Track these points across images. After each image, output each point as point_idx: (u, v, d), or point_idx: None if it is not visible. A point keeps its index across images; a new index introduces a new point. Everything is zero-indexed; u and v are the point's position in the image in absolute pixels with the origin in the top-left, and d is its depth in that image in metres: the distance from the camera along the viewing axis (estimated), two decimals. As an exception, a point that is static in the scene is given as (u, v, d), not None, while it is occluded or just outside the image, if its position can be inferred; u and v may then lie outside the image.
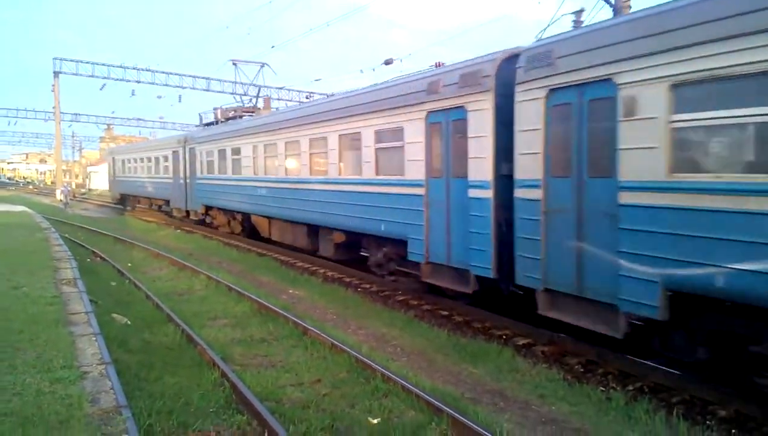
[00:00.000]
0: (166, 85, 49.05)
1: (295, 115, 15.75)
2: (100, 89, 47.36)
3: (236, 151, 19.52)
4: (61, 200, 43.20)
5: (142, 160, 32.88)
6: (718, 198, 5.78)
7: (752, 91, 5.53)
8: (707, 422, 6.15)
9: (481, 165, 9.02)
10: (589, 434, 5.91)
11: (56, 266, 12.39)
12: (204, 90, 50.75)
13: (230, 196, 20.19)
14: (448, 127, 9.76)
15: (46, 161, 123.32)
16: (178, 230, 25.33)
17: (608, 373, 7.56)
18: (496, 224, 8.87)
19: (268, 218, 18.03)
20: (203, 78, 50.63)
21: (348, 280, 13.80)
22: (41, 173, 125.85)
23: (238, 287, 12.18)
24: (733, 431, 5.98)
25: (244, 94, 24.70)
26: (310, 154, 14.48)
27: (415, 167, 10.51)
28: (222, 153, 20.91)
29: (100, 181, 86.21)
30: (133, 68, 47.08)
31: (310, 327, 9.05)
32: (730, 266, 5.66)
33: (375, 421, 5.98)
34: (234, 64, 25.11)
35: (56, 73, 46.48)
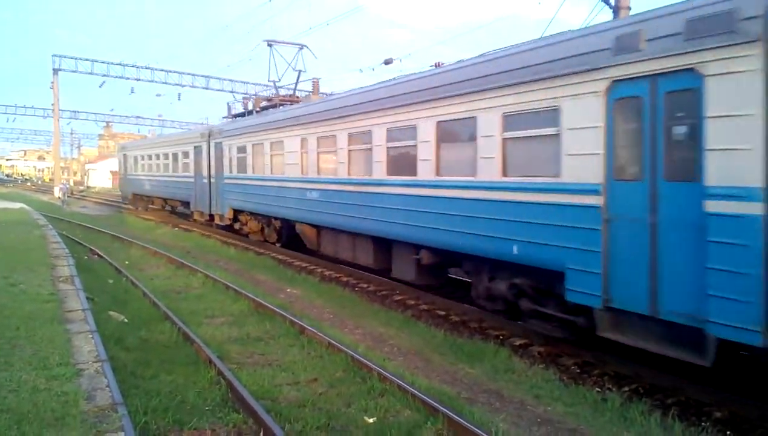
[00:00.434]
0: (166, 83, 49.13)
1: (368, 99, 12.12)
2: (99, 87, 47.50)
3: (277, 145, 16.42)
4: (59, 198, 43.18)
5: (157, 156, 29.50)
6: None
7: None
8: (702, 423, 6.16)
9: (733, 162, 5.78)
10: (585, 435, 5.92)
11: (53, 264, 12.38)
12: (203, 88, 50.82)
13: (267, 199, 17.10)
14: (656, 102, 6.47)
15: (44, 158, 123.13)
16: (176, 228, 25.31)
17: (604, 374, 7.57)
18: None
19: (318, 226, 14.88)
20: (202, 76, 50.72)
21: (345, 279, 13.80)
22: (39, 170, 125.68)
23: (235, 285, 12.18)
24: (728, 432, 5.99)
25: (277, 82, 20.49)
26: (388, 148, 11.29)
27: (581, 165, 7.30)
28: (258, 148, 17.80)
29: (98, 179, 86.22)
30: (133, 66, 47.16)
31: (306, 326, 9.05)
32: None
33: (371, 420, 5.99)
34: (269, 45, 20.54)
35: (55, 70, 46.48)
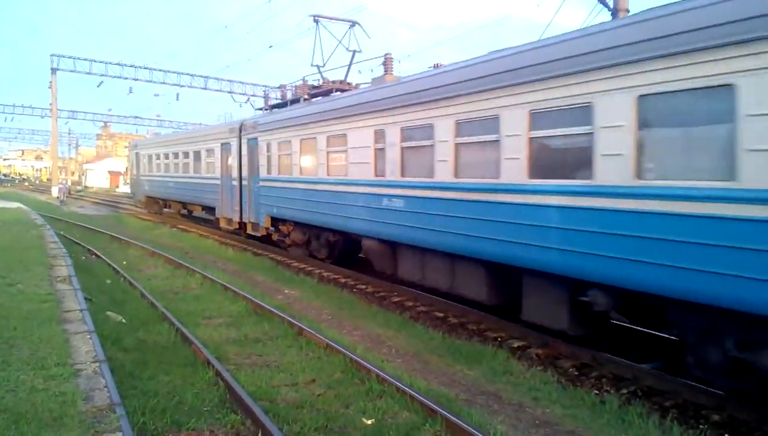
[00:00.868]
0: (164, 83, 49.14)
1: (497, 70, 8.52)
2: (98, 86, 47.42)
3: (337, 140, 13.18)
4: (58, 197, 43.12)
5: (176, 155, 26.12)
6: None
7: None
8: (700, 426, 6.17)
9: None
10: (583, 437, 5.92)
11: (51, 264, 12.35)
12: (202, 88, 50.84)
13: (320, 206, 13.86)
14: None
15: (42, 158, 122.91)
16: (174, 229, 25.25)
17: (602, 376, 7.57)
18: None
19: (395, 243, 11.52)
20: (201, 76, 50.76)
21: (343, 280, 13.79)
22: (37, 170, 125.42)
23: (233, 286, 12.16)
24: (726, 435, 5.99)
25: (322, 67, 16.78)
26: (530, 139, 7.95)
27: None
28: (308, 144, 14.61)
29: (96, 179, 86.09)
30: (131, 66, 47.18)
31: (305, 327, 9.04)
32: None
33: (369, 421, 5.98)
34: (315, 20, 17.19)
35: (53, 70, 46.47)
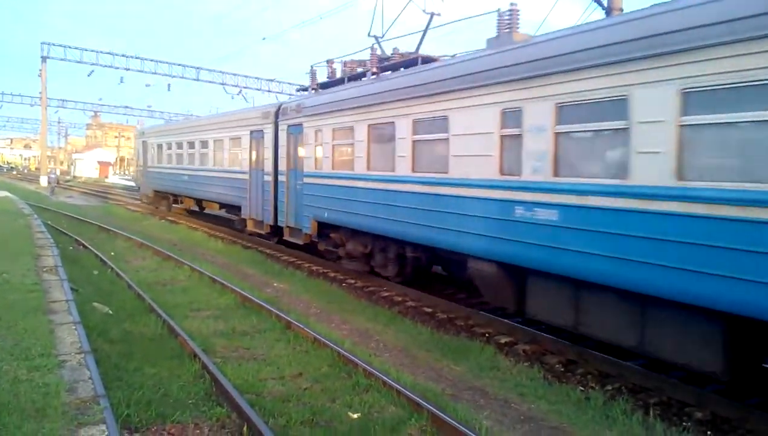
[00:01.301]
0: (155, 73, 48.78)
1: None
2: (88, 75, 47.02)
3: (431, 125, 9.94)
4: (48, 186, 42.77)
5: (191, 144, 22.80)
6: None
7: None
8: (684, 423, 6.23)
9: None
10: (567, 433, 5.96)
11: (38, 253, 12.26)
12: (194, 79, 50.54)
13: (400, 213, 10.56)
14: None
15: (30, 147, 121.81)
16: (163, 220, 25.13)
17: (588, 373, 7.62)
18: None
19: (525, 270, 8.31)
20: (193, 67, 50.44)
21: (333, 275, 13.78)
22: (26, 159, 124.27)
23: (221, 278, 12.11)
24: (709, 432, 6.06)
25: (381, 39, 13.79)
26: None
27: None
28: (379, 131, 11.45)
29: (85, 169, 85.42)
30: (122, 55, 46.78)
31: (293, 321, 9.03)
32: None
33: (355, 415, 5.99)
34: None
35: (44, 58, 46.00)
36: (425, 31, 12.74)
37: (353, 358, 7.34)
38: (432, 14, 12.86)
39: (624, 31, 6.73)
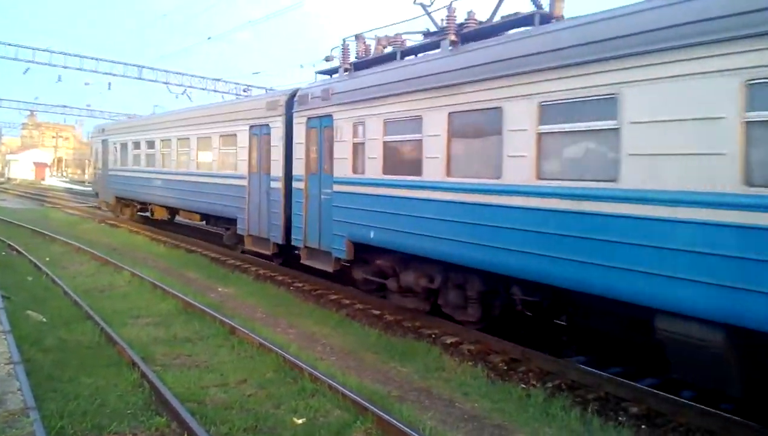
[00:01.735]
0: (95, 71, 46.91)
1: None
2: (23, 73, 44.84)
3: (588, 108, 6.67)
4: None
5: (166, 143, 19.32)
6: None
7: None
8: (620, 418, 6.45)
9: None
10: (509, 431, 6.09)
11: (-35, 260, 11.64)
12: (136, 78, 49.03)
13: (499, 236, 7.70)
14: None
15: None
16: (103, 224, 24.28)
17: (530, 371, 7.80)
18: None
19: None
20: (135, 66, 48.86)
21: (280, 278, 13.62)
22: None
23: (163, 284, 11.81)
24: (643, 426, 6.29)
25: (428, 6, 10.29)
26: None
27: None
28: (473, 122, 8.35)
29: (20, 171, 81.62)
30: (60, 53, 44.83)
31: (237, 326, 8.88)
32: None
33: (300, 421, 5.94)
34: None
35: (-27, 54, 43.63)
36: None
37: (299, 362, 7.29)
38: None
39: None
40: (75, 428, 5.40)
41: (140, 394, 6.41)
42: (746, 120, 5.22)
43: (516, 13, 8.61)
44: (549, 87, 7.05)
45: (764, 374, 5.68)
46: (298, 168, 12.38)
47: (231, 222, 15.52)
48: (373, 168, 10.05)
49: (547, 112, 7.12)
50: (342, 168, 10.89)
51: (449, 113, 8.57)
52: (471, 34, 9.16)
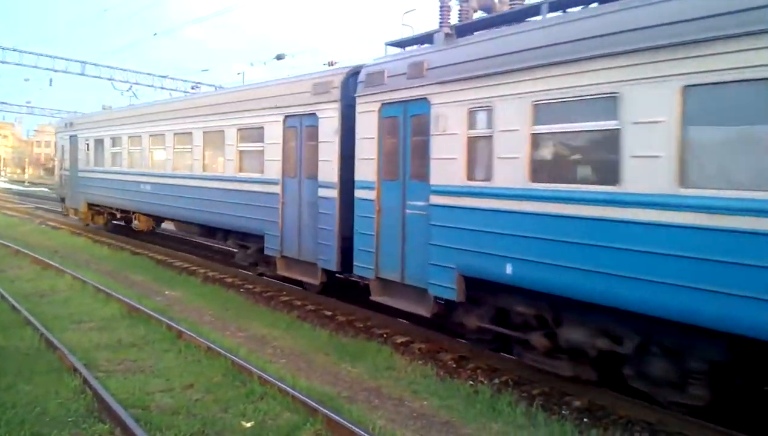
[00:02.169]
0: (36, 67, 45.09)
1: None
2: (-46, 67, 42.67)
3: None
4: None
5: (159, 139, 16.13)
6: None
7: None
8: (563, 411, 6.66)
9: None
10: (456, 427, 6.20)
11: None
12: (79, 74, 47.33)
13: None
14: None
15: None
16: (43, 225, 23.34)
17: (478, 368, 7.95)
18: None
19: None
20: (78, 62, 47.14)
21: (230, 280, 13.42)
22: None
23: (106, 287, 11.46)
24: (585, 420, 6.51)
25: None
26: None
27: None
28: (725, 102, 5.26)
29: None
30: (-4, 47, 42.89)
31: (184, 330, 8.72)
32: None
33: (248, 424, 5.90)
34: None
35: None
36: None
37: (248, 365, 7.22)
38: None
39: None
40: (12, 438, 5.22)
41: (82, 401, 6.23)
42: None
43: None
44: None
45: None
46: (366, 172, 9.50)
47: (249, 238, 12.77)
48: (511, 173, 7.14)
49: None
50: (446, 173, 8.03)
51: (684, 87, 5.48)
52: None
